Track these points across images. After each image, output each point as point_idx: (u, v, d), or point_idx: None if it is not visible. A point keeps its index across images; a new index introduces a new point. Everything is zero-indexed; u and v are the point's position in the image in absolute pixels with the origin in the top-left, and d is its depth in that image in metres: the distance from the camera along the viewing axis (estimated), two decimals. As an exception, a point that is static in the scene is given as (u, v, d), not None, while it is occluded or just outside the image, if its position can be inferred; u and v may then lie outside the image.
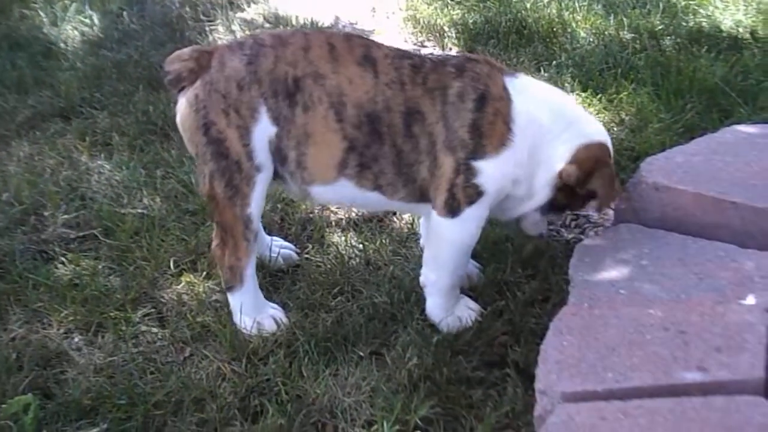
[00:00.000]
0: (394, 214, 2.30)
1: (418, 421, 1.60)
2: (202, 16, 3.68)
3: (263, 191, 1.87)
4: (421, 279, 1.90)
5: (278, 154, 1.84)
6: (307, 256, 2.15)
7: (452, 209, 1.81)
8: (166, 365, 1.80)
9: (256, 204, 1.85)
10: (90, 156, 2.59)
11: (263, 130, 1.81)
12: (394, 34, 3.55)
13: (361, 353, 1.80)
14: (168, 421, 1.65)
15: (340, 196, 1.90)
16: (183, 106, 1.87)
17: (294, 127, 1.81)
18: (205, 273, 2.07)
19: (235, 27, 3.53)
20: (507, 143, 1.80)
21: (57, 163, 2.56)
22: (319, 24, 3.58)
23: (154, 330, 1.92)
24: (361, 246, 2.16)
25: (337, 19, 3.66)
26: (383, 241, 2.18)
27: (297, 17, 3.62)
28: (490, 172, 1.80)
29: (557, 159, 1.82)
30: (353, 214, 2.32)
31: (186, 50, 1.89)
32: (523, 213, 1.93)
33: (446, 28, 3.50)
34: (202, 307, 1.95)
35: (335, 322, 1.88)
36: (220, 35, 3.48)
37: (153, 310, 1.98)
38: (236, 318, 1.90)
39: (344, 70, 1.81)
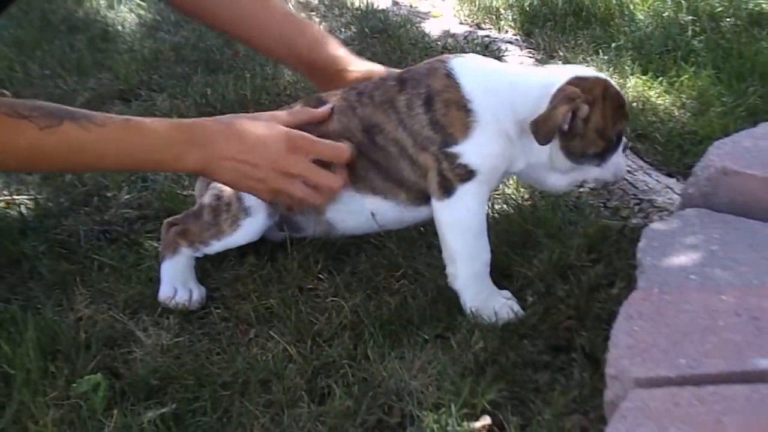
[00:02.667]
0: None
1: (486, 405, 1.60)
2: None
3: (248, 237, 1.97)
4: (448, 279, 1.88)
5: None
6: (365, 238, 2.15)
7: (446, 189, 1.83)
8: (231, 346, 1.80)
9: (227, 243, 1.96)
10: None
11: None
12: (450, 16, 3.54)
13: (426, 336, 1.79)
14: (235, 401, 1.65)
15: (353, 210, 1.94)
16: None
17: None
18: (268, 256, 2.07)
19: (291, 8, 3.53)
20: (471, 125, 1.81)
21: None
22: (375, 6, 3.57)
23: (218, 311, 1.92)
24: (422, 229, 2.15)
25: (395, 2, 3.65)
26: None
27: (353, 2, 3.61)
28: (471, 151, 1.81)
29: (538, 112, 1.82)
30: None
31: None
32: (578, 177, 1.94)
33: (502, 11, 3.48)
34: (266, 289, 1.96)
35: (399, 306, 1.88)
36: (275, 18, 3.47)
37: (217, 291, 1.99)
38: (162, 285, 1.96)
39: None
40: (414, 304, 1.88)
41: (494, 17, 3.45)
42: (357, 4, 3.59)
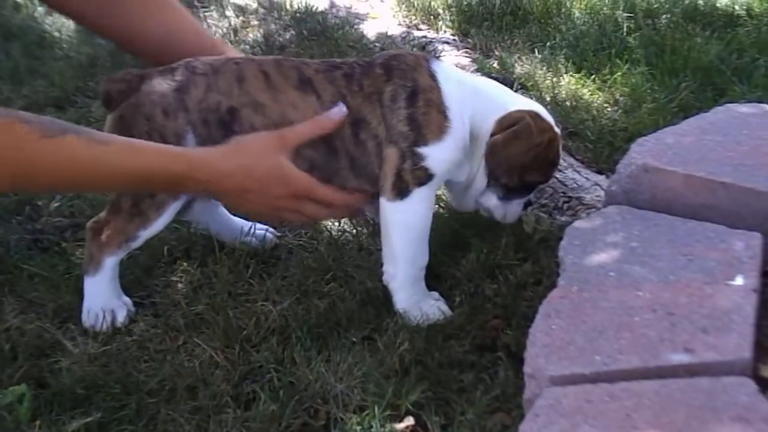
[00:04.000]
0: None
1: (410, 406, 1.61)
2: (196, 2, 3.68)
3: (169, 218, 1.91)
4: (384, 277, 1.88)
5: None
6: (299, 242, 2.16)
7: (400, 191, 1.82)
8: (160, 353, 1.80)
9: (153, 230, 1.90)
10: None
11: None
12: (388, 17, 3.55)
13: (354, 339, 1.80)
14: (161, 408, 1.65)
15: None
16: (108, 124, 1.88)
17: None
18: (198, 261, 2.07)
19: (229, 12, 3.53)
20: (446, 129, 1.82)
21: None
22: (314, 9, 3.58)
23: (148, 318, 1.92)
24: (354, 231, 2.16)
25: (332, 4, 3.65)
26: (376, 226, 2.18)
27: (291, 2, 3.61)
28: (436, 155, 1.82)
29: (486, 134, 1.87)
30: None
31: (120, 73, 1.90)
32: (481, 201, 1.96)
33: (440, 11, 3.49)
34: (195, 295, 1.96)
35: (328, 309, 1.88)
36: (214, 21, 3.48)
37: (147, 299, 1.99)
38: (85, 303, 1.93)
39: (284, 98, 1.84)
40: (343, 307, 1.89)
41: (432, 18, 3.47)
42: (296, 6, 3.59)
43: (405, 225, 1.85)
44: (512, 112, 1.88)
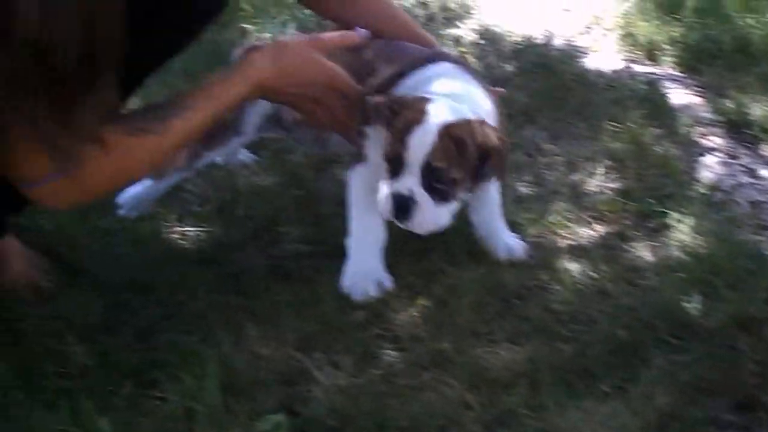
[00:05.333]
0: (624, 240, 2.27)
1: (671, 464, 1.56)
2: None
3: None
4: None
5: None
6: (536, 282, 2.13)
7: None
8: (407, 389, 1.80)
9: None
10: (316, 172, 2.64)
11: None
12: (610, 52, 3.49)
13: (605, 388, 1.76)
14: (413, 447, 1.65)
15: None
16: None
17: None
18: (437, 299, 2.07)
19: (447, 44, 3.53)
20: None
21: (285, 179, 2.60)
22: (534, 41, 3.55)
23: (392, 352, 1.93)
24: (594, 274, 2.12)
25: (551, 36, 3.61)
26: (617, 269, 2.13)
27: (510, 33, 3.59)
28: None
29: None
30: (581, 240, 2.29)
31: None
32: None
33: (665, 46, 3.41)
34: (438, 332, 1.96)
35: (575, 354, 1.85)
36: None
37: (388, 332, 2.00)
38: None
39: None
40: (590, 353, 1.85)
41: (655, 53, 3.38)
42: (515, 39, 3.56)
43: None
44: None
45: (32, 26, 1.56)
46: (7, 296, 2.11)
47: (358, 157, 2.13)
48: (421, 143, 1.90)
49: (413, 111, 1.93)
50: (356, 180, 2.14)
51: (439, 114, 1.92)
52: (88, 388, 1.83)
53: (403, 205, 1.94)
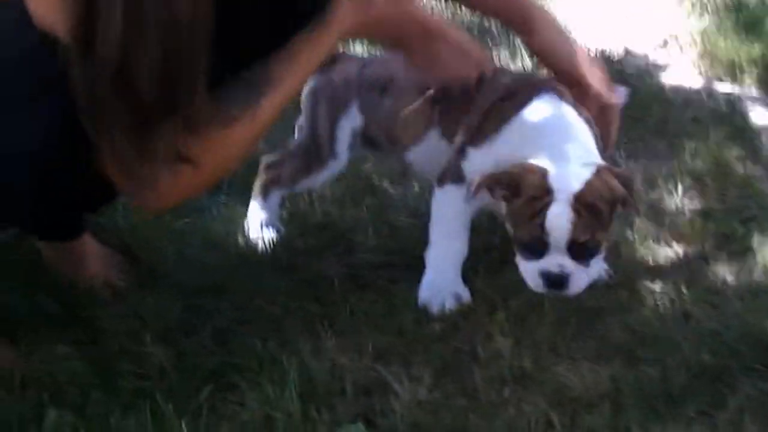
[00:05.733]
0: (707, 262, 2.23)
1: (763, 492, 1.53)
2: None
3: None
4: None
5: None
6: (616, 302, 2.10)
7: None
8: (487, 405, 1.78)
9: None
10: (391, 182, 2.63)
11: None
12: (688, 70, 3.45)
13: (690, 413, 1.73)
14: (493, 466, 1.63)
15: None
16: None
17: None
18: (515, 313, 2.05)
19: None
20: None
21: (360, 188, 2.60)
22: (608, 55, 3.51)
23: (469, 366, 1.91)
24: (675, 296, 2.08)
25: (627, 52, 3.57)
26: (698, 291, 2.10)
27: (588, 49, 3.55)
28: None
29: None
30: (661, 261, 2.26)
31: None
32: None
33: (744, 65, 3.36)
34: (517, 348, 1.93)
35: (659, 377, 1.82)
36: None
37: (466, 346, 1.98)
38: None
39: None
40: (674, 376, 1.81)
41: (736, 71, 3.33)
42: (592, 53, 3.52)
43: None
44: None
45: (113, 43, 1.53)
46: (85, 294, 2.12)
47: (452, 175, 2.09)
48: (558, 225, 1.88)
49: (535, 188, 1.91)
50: (445, 199, 2.11)
51: (564, 187, 1.89)
52: (166, 389, 1.83)
53: (557, 282, 1.93)
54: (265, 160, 2.39)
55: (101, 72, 1.55)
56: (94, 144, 1.63)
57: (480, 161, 2.04)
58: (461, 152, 2.08)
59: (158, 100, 1.59)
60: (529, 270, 1.96)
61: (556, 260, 1.91)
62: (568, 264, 1.91)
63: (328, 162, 2.30)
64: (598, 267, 2.00)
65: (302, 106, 2.33)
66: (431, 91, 2.13)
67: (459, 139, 2.10)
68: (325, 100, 2.28)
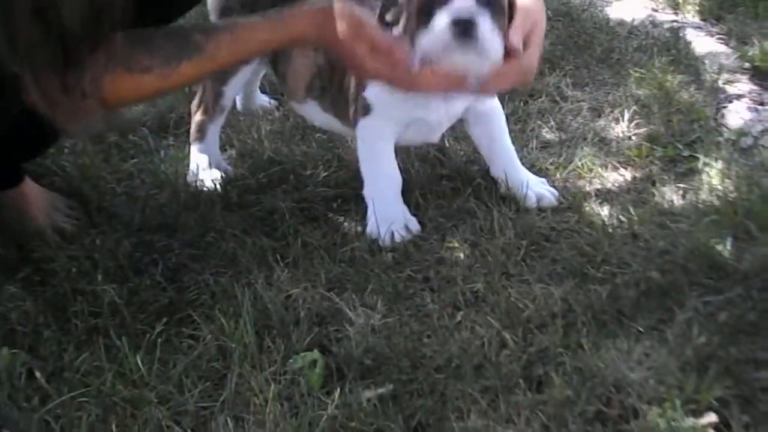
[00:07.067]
0: (653, 184, 2.26)
1: (714, 402, 1.55)
2: None
3: (243, 79, 2.40)
4: None
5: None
6: (566, 225, 2.12)
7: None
8: (441, 329, 1.80)
9: (231, 85, 2.36)
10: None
11: None
12: (631, 1, 3.46)
13: (640, 328, 1.75)
14: (450, 385, 1.65)
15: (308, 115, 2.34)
16: None
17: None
18: (467, 239, 2.06)
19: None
20: None
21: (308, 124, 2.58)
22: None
23: (424, 293, 1.92)
24: (624, 217, 2.10)
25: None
26: (647, 212, 2.12)
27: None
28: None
29: None
30: (609, 185, 2.28)
31: None
32: None
33: (687, -5, 3.38)
34: (470, 273, 1.95)
35: (609, 295, 1.84)
36: None
37: (419, 273, 1.99)
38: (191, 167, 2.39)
39: None
40: (624, 295, 1.84)
41: (679, 1, 3.35)
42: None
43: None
44: None
45: None
46: (34, 239, 2.10)
47: (360, 110, 2.12)
48: None
49: None
50: (364, 132, 2.13)
51: None
52: (120, 326, 1.83)
53: (466, 27, 1.85)
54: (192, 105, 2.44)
55: (22, 9, 1.53)
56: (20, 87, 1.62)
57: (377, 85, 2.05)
58: (359, 85, 2.11)
59: (83, 34, 1.58)
60: (436, 29, 1.87)
61: (465, 4, 1.86)
62: (476, 9, 1.86)
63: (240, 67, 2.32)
64: (500, 44, 1.90)
65: None
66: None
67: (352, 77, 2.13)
68: None
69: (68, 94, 1.63)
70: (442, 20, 1.86)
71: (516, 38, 1.92)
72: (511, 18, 1.94)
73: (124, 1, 1.60)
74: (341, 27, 1.86)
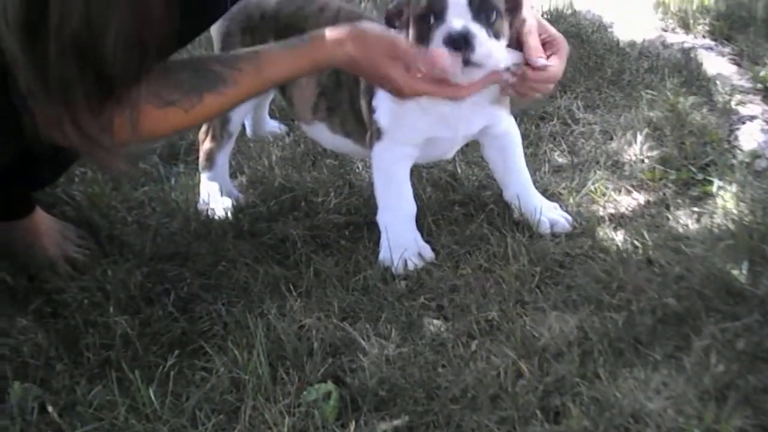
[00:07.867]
0: (668, 208, 2.24)
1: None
2: None
3: (249, 104, 2.34)
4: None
5: None
6: (581, 251, 2.10)
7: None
8: (456, 359, 1.78)
9: (238, 111, 2.30)
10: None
11: None
12: (641, 21, 3.46)
13: (657, 356, 1.73)
14: (466, 416, 1.63)
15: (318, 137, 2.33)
16: None
17: None
18: (481, 266, 2.04)
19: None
20: None
21: (318, 148, 2.58)
22: (561, 10, 3.50)
23: (436, 321, 1.90)
24: (638, 242, 2.09)
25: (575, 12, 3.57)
26: (661, 237, 2.10)
27: (542, 6, 3.55)
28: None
29: None
30: (623, 209, 2.27)
31: None
32: None
33: (698, 15, 3.37)
34: (484, 300, 1.93)
35: (625, 323, 1.82)
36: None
37: (432, 301, 1.97)
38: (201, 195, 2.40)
39: None
40: (641, 322, 1.82)
41: (690, 22, 3.34)
42: (545, 8, 3.53)
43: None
44: None
45: (72, 15, 1.49)
46: (45, 270, 2.09)
47: (374, 134, 2.11)
48: None
49: None
50: (379, 157, 2.12)
51: None
52: (132, 359, 1.81)
53: (462, 40, 1.84)
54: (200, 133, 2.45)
55: (61, 49, 1.52)
56: (35, 121, 1.61)
57: (387, 104, 2.06)
58: (370, 109, 2.10)
59: (124, 69, 1.57)
60: (436, 44, 1.86)
61: (457, 21, 1.85)
62: (470, 23, 1.85)
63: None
64: (502, 49, 1.93)
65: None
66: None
67: (363, 100, 2.13)
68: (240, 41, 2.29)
69: (107, 132, 1.62)
70: (438, 39, 1.87)
71: (534, 42, 1.93)
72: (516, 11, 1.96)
73: (168, 29, 1.59)
74: (371, 48, 1.84)
